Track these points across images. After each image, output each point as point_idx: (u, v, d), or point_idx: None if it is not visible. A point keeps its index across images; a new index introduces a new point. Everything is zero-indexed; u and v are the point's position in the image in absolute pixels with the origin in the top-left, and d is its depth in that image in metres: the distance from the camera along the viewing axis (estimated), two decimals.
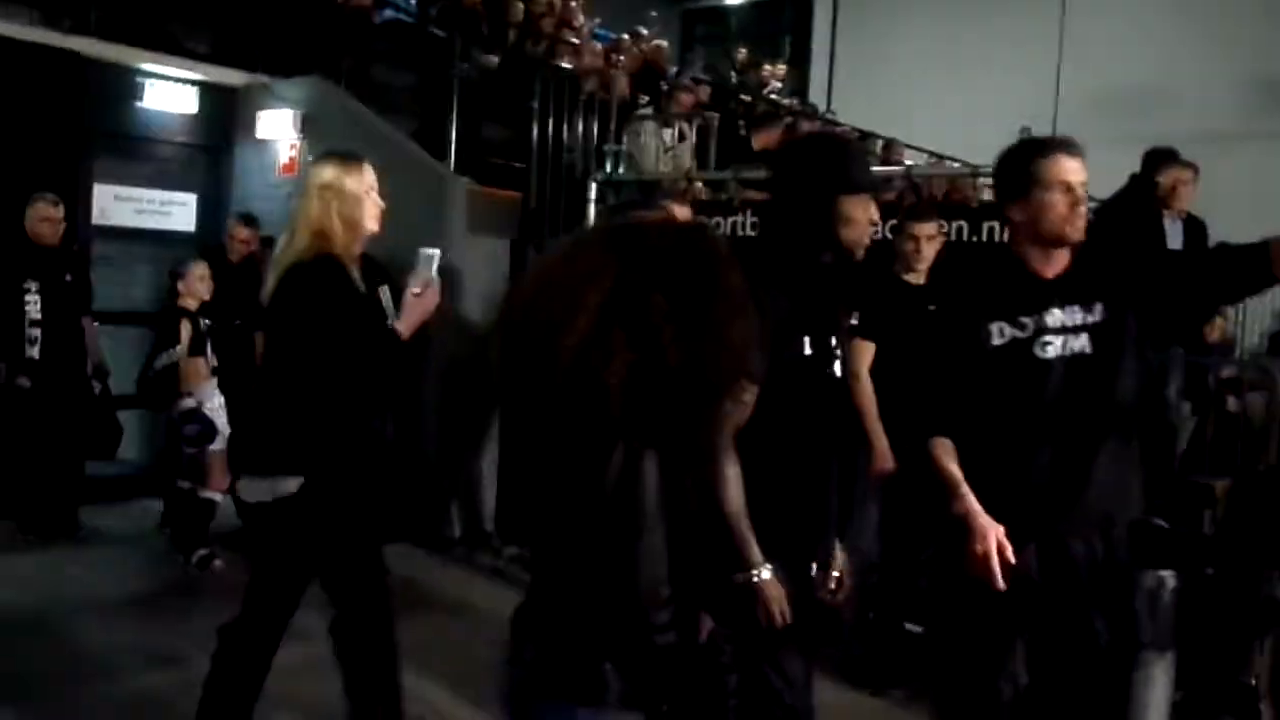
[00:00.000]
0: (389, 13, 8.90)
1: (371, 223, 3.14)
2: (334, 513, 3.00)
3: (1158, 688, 4.21)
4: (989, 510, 2.55)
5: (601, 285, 1.50)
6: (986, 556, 2.49)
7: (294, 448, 2.97)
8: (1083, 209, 2.61)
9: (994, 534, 2.50)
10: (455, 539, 6.48)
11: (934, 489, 2.68)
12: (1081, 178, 2.60)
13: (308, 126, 7.35)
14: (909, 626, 4.62)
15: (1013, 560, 2.50)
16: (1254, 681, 4.39)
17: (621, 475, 1.57)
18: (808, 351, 2.46)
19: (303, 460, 2.95)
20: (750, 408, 2.33)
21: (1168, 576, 4.18)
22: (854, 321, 4.61)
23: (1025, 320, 2.61)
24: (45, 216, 5.95)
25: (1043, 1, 13.84)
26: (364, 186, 3.12)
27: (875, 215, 2.57)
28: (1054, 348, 2.59)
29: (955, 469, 2.60)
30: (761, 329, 2.33)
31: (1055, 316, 2.60)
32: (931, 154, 10.08)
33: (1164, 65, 12.99)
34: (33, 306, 5.84)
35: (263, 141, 7.63)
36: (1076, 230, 2.60)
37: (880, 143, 10.42)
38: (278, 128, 7.51)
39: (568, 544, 1.66)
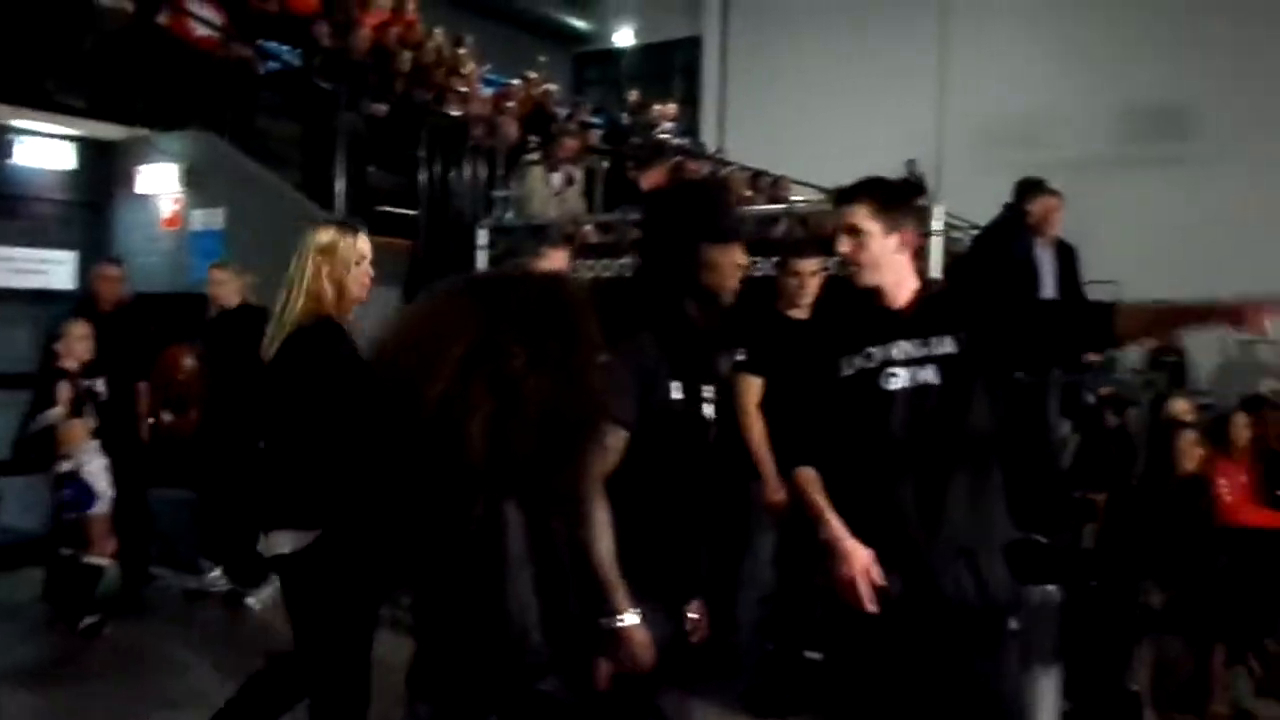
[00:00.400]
0: (273, 64, 8.83)
1: (359, 290, 3.24)
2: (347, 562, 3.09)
3: (1046, 698, 4.36)
4: (859, 535, 2.61)
5: (463, 337, 1.53)
6: (853, 581, 2.53)
7: (307, 502, 3.08)
8: (844, 256, 2.71)
9: (860, 558, 2.55)
10: None
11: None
12: (845, 224, 2.68)
13: (191, 179, 7.26)
14: (808, 654, 4.67)
15: (882, 583, 2.55)
16: (1136, 688, 4.56)
17: (484, 523, 1.59)
18: (677, 396, 2.47)
19: (317, 514, 3.07)
20: (620, 453, 2.36)
21: (1052, 591, 4.34)
22: (741, 358, 4.71)
23: (873, 351, 2.66)
24: None
25: (923, 37, 14.31)
26: (356, 254, 3.24)
27: (742, 260, 2.59)
28: (899, 380, 2.62)
29: (819, 497, 2.66)
30: (632, 374, 2.40)
31: (902, 348, 2.64)
32: (819, 189, 10.32)
33: (1041, 96, 13.51)
34: None
35: (144, 196, 7.50)
36: (851, 276, 2.72)
37: (769, 180, 10.66)
38: (159, 182, 7.39)
39: (438, 594, 1.67)
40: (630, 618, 2.31)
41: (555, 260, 4.20)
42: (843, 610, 2.70)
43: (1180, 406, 5.75)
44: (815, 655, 4.64)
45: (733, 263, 2.54)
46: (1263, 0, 12.35)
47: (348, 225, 3.31)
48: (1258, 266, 11.90)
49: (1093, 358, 8.58)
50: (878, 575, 2.55)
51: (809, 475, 2.70)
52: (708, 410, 2.59)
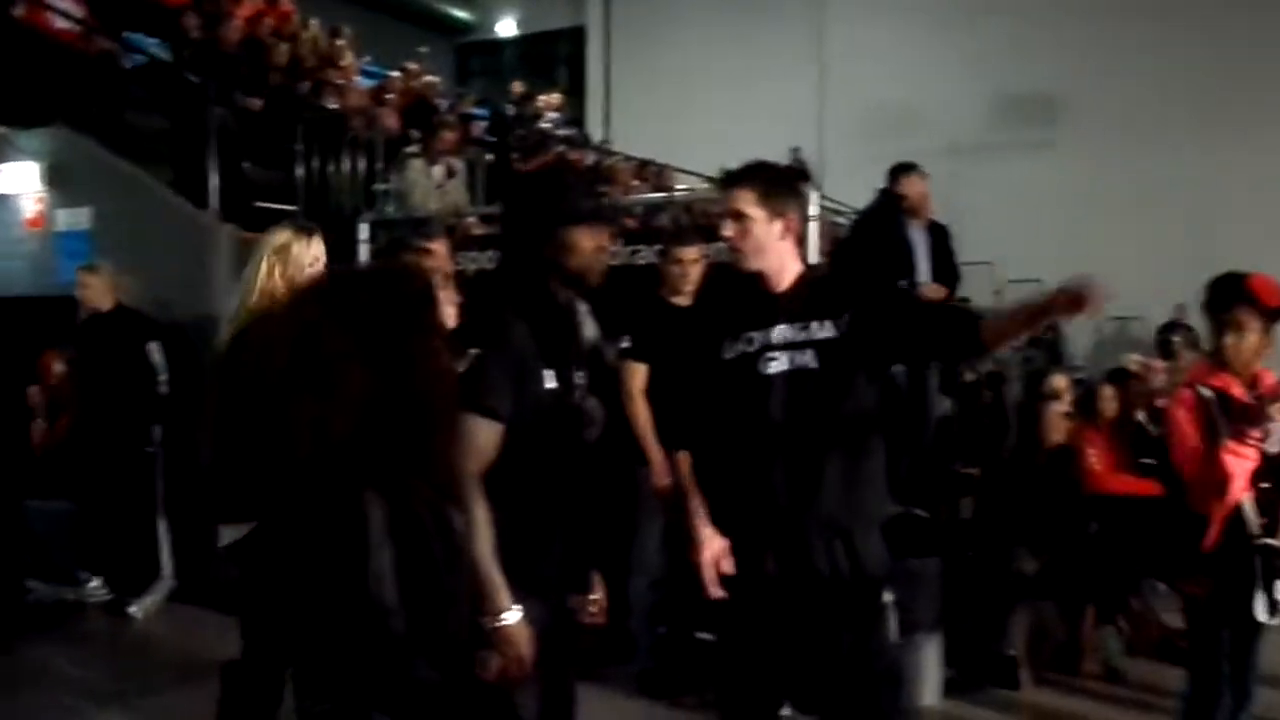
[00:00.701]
0: (139, 58, 8.53)
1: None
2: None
3: (929, 666, 4.50)
4: (735, 519, 2.67)
5: (294, 329, 1.55)
6: (703, 566, 2.63)
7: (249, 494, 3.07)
8: (729, 240, 2.75)
9: (711, 547, 2.64)
10: None
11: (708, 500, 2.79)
12: (730, 209, 2.73)
13: (54, 178, 7.00)
14: (700, 635, 4.74)
15: (729, 570, 2.64)
16: (1013, 652, 4.74)
17: (342, 508, 1.59)
18: (551, 385, 2.46)
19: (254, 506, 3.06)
20: (497, 446, 2.36)
21: (931, 562, 4.48)
22: (626, 345, 4.75)
23: (753, 336, 2.70)
24: None
25: (804, 28, 14.55)
26: (309, 256, 3.33)
27: (605, 242, 2.60)
28: (777, 363, 2.66)
29: (689, 481, 2.72)
30: (504, 366, 2.40)
31: (782, 333, 2.69)
32: (704, 177, 10.42)
33: (918, 85, 13.86)
34: None
35: (3, 196, 7.20)
36: (735, 260, 2.77)
37: (655, 169, 10.72)
38: (20, 181, 7.11)
39: (304, 583, 1.67)
40: (511, 616, 2.31)
41: (437, 252, 4.18)
42: (729, 590, 2.76)
43: (1059, 383, 5.94)
44: (707, 636, 4.71)
45: (596, 245, 2.53)
46: None
47: (303, 228, 3.41)
48: (1126, 242, 12.47)
49: None
50: (727, 565, 2.64)
51: (685, 458, 2.75)
52: (580, 396, 2.59)
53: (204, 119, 7.27)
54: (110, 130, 7.41)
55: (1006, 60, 13.42)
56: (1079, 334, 13.39)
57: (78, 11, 8.01)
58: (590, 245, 2.51)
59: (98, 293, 5.94)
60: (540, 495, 2.46)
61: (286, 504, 1.65)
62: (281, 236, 3.34)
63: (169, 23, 9.16)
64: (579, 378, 2.57)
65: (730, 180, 2.77)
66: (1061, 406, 5.25)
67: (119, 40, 8.42)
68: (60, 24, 7.87)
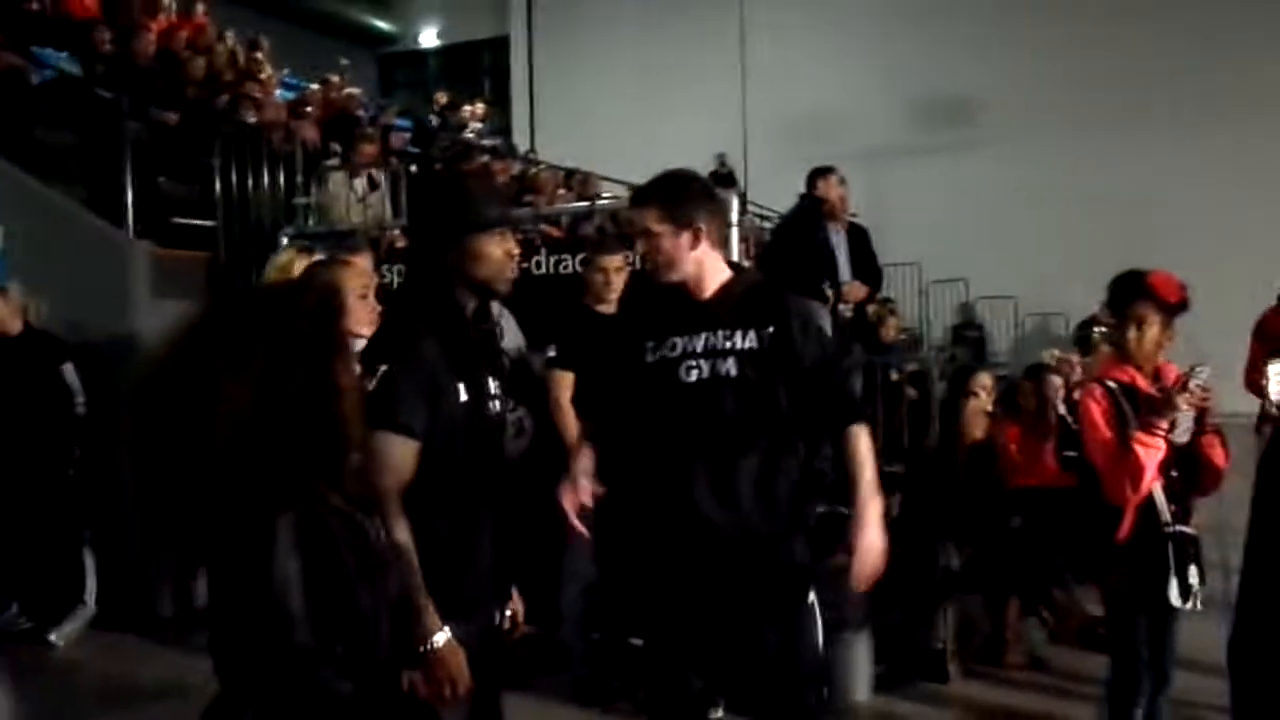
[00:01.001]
0: (48, 73, 8.34)
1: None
2: None
3: (858, 663, 4.56)
4: (658, 523, 2.70)
5: (175, 349, 1.58)
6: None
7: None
8: (642, 255, 2.85)
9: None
10: (167, 620, 6.12)
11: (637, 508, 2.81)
12: (638, 228, 2.79)
13: None
14: (632, 641, 4.74)
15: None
16: (940, 645, 4.82)
17: (243, 527, 1.58)
18: (464, 397, 2.41)
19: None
20: (413, 462, 2.33)
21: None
22: (552, 354, 4.75)
23: (676, 341, 2.72)
24: None
25: (724, 36, 14.68)
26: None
27: (512, 249, 2.57)
28: (697, 371, 2.68)
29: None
30: (416, 381, 2.37)
31: (704, 340, 2.70)
32: (627, 185, 10.45)
33: (836, 91, 14.07)
34: None
35: None
36: (652, 274, 2.82)
37: (580, 178, 10.74)
38: None
39: (218, 604, 1.66)
40: (440, 637, 2.27)
41: (358, 265, 4.14)
42: (647, 596, 2.78)
43: (982, 380, 6.04)
44: (638, 642, 4.72)
45: (504, 252, 2.49)
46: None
47: (305, 248, 3.43)
48: (1047, 240, 12.77)
49: (896, 336, 9.03)
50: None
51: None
52: (495, 407, 2.57)
53: (118, 134, 7.14)
54: (19, 147, 7.22)
55: (924, 64, 13.67)
56: (1001, 332, 13.68)
57: None
58: (498, 252, 2.48)
59: (5, 315, 5.78)
60: (461, 511, 2.42)
61: (196, 524, 1.64)
62: (284, 256, 3.35)
63: (79, 37, 8.98)
64: (495, 388, 2.55)
65: (633, 200, 2.83)
66: (983, 403, 5.35)
67: (27, 55, 8.23)
68: None
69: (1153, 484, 3.28)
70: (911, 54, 13.73)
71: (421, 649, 2.25)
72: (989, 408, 5.37)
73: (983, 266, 12.97)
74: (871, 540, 2.68)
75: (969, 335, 13.75)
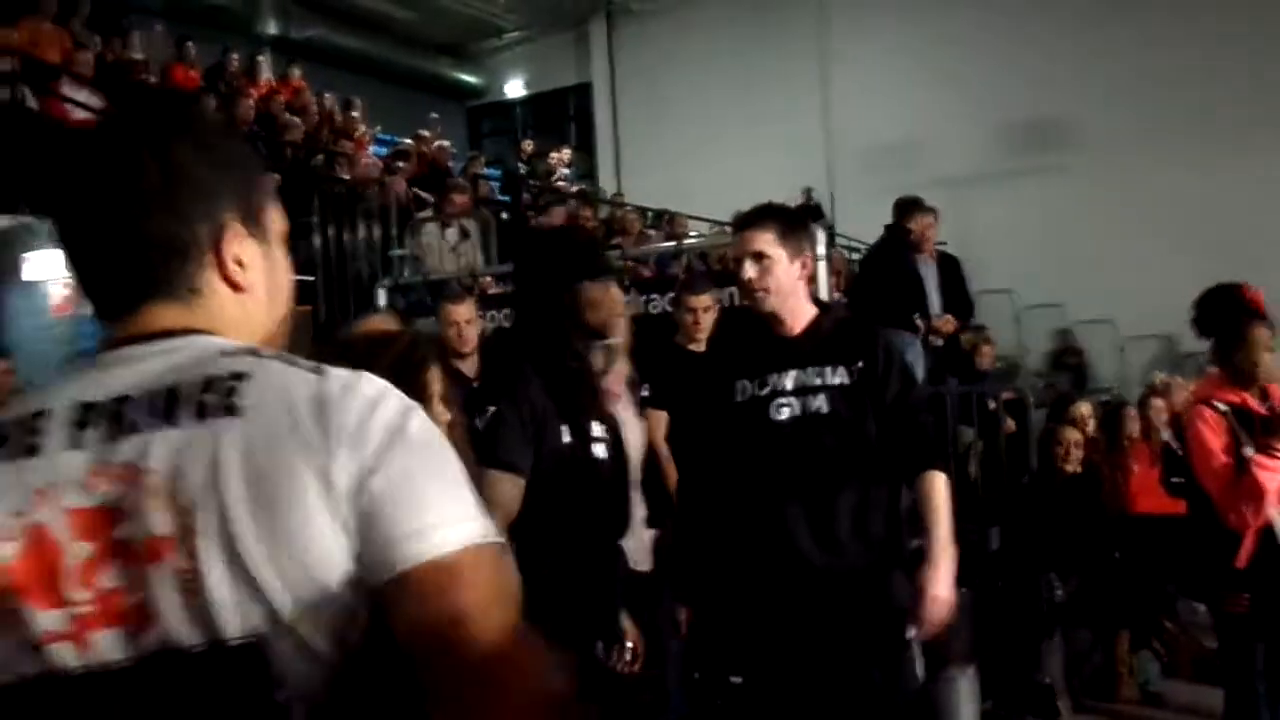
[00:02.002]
0: None
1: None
2: None
3: (965, 700, 4.47)
4: (755, 563, 2.70)
5: None
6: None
7: None
8: (747, 281, 2.74)
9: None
10: None
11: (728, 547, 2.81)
12: (749, 250, 2.72)
13: None
14: (732, 679, 4.72)
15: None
16: (1049, 680, 4.70)
17: None
18: (567, 439, 2.50)
19: None
20: (518, 501, 2.40)
21: (963, 593, 4.46)
22: (645, 393, 4.79)
23: (766, 379, 2.71)
24: None
25: (805, 68, 14.68)
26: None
27: (618, 295, 2.66)
28: (789, 409, 2.68)
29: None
30: (522, 421, 2.45)
31: (794, 377, 2.70)
32: (715, 223, 10.51)
33: (921, 118, 13.93)
34: None
35: (31, 284, 7.34)
36: (752, 302, 2.77)
37: (667, 218, 10.84)
38: (47, 268, 7.24)
39: None
40: None
41: (460, 312, 4.26)
42: (747, 635, 2.79)
43: (1081, 409, 5.93)
44: (738, 679, 4.69)
45: (613, 299, 2.60)
46: (1126, 13, 12.92)
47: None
48: (1145, 262, 12.43)
49: (992, 364, 8.88)
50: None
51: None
52: (599, 450, 2.63)
53: None
54: None
55: (1011, 87, 13.48)
56: (1102, 356, 13.34)
57: (95, 102, 8.23)
58: (609, 299, 2.57)
59: None
60: (566, 548, 2.49)
61: None
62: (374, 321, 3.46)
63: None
64: (598, 430, 2.61)
65: (748, 221, 2.77)
66: (1083, 431, 5.25)
67: None
68: (78, 115, 8.08)
69: (1272, 509, 3.18)
70: (997, 78, 13.55)
71: None
72: (1090, 435, 5.27)
73: (1079, 290, 12.68)
74: (941, 591, 2.64)
75: (1068, 361, 13.43)
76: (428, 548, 0.93)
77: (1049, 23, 13.34)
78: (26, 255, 7.34)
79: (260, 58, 11.67)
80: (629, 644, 2.68)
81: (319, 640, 0.92)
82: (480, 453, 2.19)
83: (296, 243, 7.94)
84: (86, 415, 0.96)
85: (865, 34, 14.40)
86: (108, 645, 0.91)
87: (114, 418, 0.96)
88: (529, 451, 2.43)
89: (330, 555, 0.92)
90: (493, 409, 2.44)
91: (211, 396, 0.95)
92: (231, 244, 1.06)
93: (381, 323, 3.45)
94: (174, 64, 10.37)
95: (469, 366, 4.46)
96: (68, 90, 8.17)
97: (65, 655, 0.91)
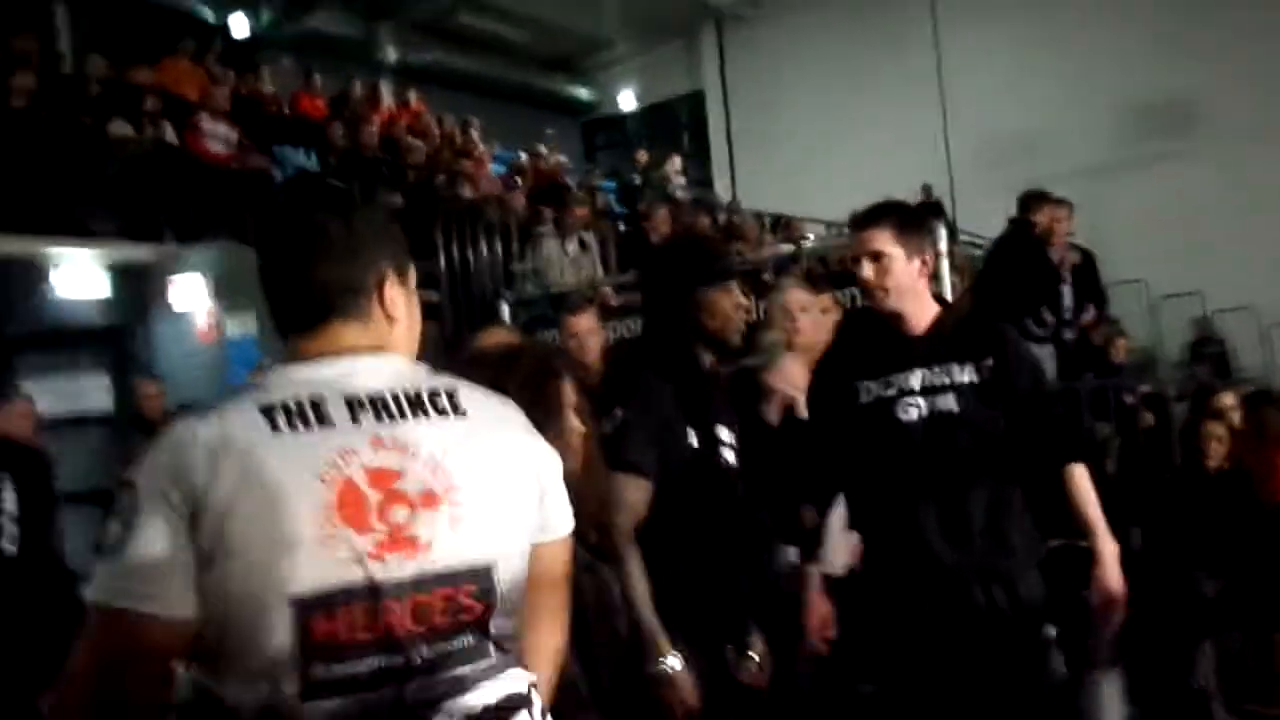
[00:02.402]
0: (289, 169, 9.11)
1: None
2: None
3: (1110, 703, 4.32)
4: (888, 562, 2.67)
5: None
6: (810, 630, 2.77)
7: None
8: (866, 280, 2.73)
9: (818, 613, 2.78)
10: None
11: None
12: (867, 249, 2.70)
13: (221, 290, 7.46)
14: (862, 688, 4.66)
15: (832, 636, 2.77)
16: (1201, 684, 4.51)
17: None
18: (694, 442, 2.53)
19: None
20: (647, 503, 2.44)
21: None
22: None
23: (891, 379, 2.68)
24: (23, 413, 6.04)
25: (920, 62, 14.43)
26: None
27: (740, 300, 2.67)
28: (916, 409, 2.65)
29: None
30: (650, 426, 2.49)
31: (921, 376, 2.66)
32: (833, 225, 10.42)
33: (1041, 108, 13.57)
34: (9, 502, 5.87)
35: (178, 312, 7.72)
36: (873, 301, 2.75)
37: (784, 222, 10.79)
38: (191, 296, 7.61)
39: None
40: (673, 661, 2.37)
41: (581, 324, 4.34)
42: (880, 640, 2.76)
43: (1225, 400, 5.67)
44: (868, 688, 4.63)
45: (732, 304, 2.62)
46: None
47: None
48: (1277, 250, 11.85)
49: (1127, 357, 8.58)
50: (830, 630, 2.78)
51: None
52: (727, 455, 2.65)
53: None
54: None
55: (1133, 72, 13.01)
56: (1245, 345, 12.76)
57: (233, 135, 8.62)
58: (728, 304, 2.59)
59: None
60: (696, 552, 2.52)
61: None
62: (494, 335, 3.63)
63: (313, 134, 9.77)
64: (726, 436, 2.63)
65: (865, 220, 2.74)
66: (1228, 423, 5.03)
67: (270, 156, 9.01)
68: (216, 148, 8.48)
69: None
70: (1118, 63, 13.09)
71: (652, 671, 2.34)
72: (1236, 427, 5.04)
73: (1217, 277, 12.15)
74: (1113, 583, 2.59)
75: (1208, 351, 12.87)
76: (566, 526, 1.56)
77: (1163, 7, 12.85)
78: (172, 284, 7.73)
79: (381, 84, 12.05)
80: (754, 656, 2.68)
81: (520, 569, 1.45)
82: (607, 457, 2.24)
83: (420, 261, 8.19)
84: (354, 402, 1.37)
85: (979, 26, 14.09)
86: (395, 563, 1.32)
87: (376, 405, 1.38)
88: (655, 455, 2.47)
89: (529, 515, 1.48)
90: (619, 413, 2.48)
91: (443, 400, 1.43)
92: (388, 288, 1.47)
93: (502, 335, 3.53)
94: (301, 94, 10.79)
95: (592, 377, 4.53)
96: (206, 125, 8.56)
97: (375, 569, 1.31)
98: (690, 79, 17.42)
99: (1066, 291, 6.07)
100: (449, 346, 7.18)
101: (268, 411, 1.33)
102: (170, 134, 8.42)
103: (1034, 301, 5.77)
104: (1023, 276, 5.96)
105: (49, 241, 7.38)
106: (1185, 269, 12.17)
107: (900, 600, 2.69)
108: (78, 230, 7.58)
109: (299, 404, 1.35)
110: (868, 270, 2.69)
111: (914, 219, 2.79)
